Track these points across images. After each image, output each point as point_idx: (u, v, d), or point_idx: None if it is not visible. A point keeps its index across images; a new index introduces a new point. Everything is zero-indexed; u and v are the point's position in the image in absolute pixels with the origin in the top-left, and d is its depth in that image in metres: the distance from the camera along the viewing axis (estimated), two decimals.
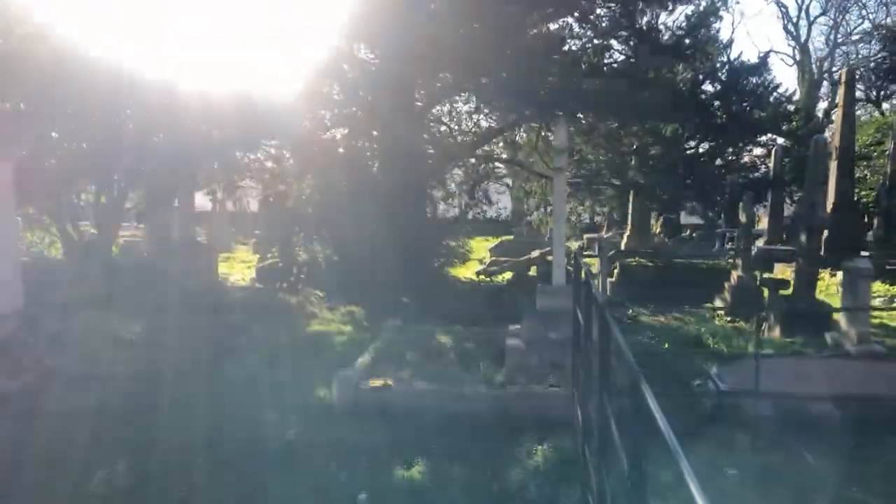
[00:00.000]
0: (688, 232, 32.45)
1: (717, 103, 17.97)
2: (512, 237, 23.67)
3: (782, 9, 52.11)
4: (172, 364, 7.34)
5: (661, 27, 15.82)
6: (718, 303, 12.23)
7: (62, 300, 10.68)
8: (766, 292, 11.24)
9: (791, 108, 24.52)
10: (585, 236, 25.18)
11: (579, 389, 4.69)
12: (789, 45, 48.51)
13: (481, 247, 19.94)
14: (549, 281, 8.95)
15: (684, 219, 29.07)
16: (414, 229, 14.35)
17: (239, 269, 19.60)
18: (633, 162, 17.69)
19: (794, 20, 43.78)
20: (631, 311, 11.51)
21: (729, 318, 11.22)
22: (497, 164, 16.49)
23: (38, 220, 16.33)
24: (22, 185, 13.74)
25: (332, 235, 14.24)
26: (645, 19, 15.21)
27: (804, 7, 43.22)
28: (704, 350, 8.01)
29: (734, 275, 12.36)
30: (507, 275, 17.51)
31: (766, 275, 12.76)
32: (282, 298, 12.06)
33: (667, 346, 7.97)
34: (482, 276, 16.86)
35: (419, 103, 15.20)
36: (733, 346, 8.20)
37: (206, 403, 6.41)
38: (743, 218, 12.22)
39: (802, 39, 43.22)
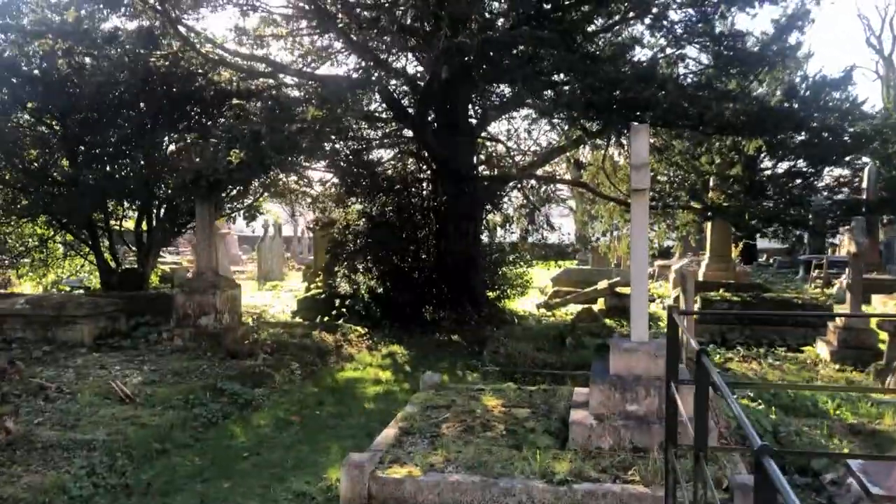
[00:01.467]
0: (765, 257, 30.11)
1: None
2: (575, 264, 22.05)
3: (864, 21, 49.28)
4: (151, 428, 6.09)
5: (744, 32, 14.12)
6: (821, 346, 10.40)
7: (66, 338, 9.66)
8: (883, 335, 9.40)
9: (877, 124, 22.30)
10: (657, 264, 23.32)
11: (674, 488, 3.16)
12: (872, 59, 45.74)
13: (542, 275, 18.40)
14: (622, 331, 7.47)
15: (760, 243, 26.95)
16: (467, 258, 12.98)
17: (285, 299, 18.52)
18: (711, 182, 15.93)
19: (878, 33, 41.16)
20: (718, 355, 9.80)
21: (837, 367, 9.42)
22: (560, 185, 14.97)
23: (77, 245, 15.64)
24: (56, 208, 13.01)
25: (376, 264, 12.96)
26: (725, 24, 13.59)
27: (888, 20, 40.56)
28: (823, 418, 6.31)
29: (839, 311, 10.52)
30: (572, 307, 15.92)
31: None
32: (317, 337, 10.79)
33: (774, 414, 6.28)
34: (543, 310, 15.30)
35: (473, 120, 13.87)
36: (861, 414, 6.46)
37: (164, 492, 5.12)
38: (853, 247, 10.40)
39: (887, 52, 40.54)
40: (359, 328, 11.99)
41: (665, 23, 13.07)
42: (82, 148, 12.03)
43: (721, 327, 11.59)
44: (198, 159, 8.37)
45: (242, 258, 31.52)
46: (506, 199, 13.98)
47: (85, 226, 13.78)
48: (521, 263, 14.43)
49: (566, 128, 13.36)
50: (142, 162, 11.53)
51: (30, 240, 15.82)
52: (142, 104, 11.48)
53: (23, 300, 10.28)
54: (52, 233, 15.30)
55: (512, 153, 14.55)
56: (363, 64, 11.73)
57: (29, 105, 11.99)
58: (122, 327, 10.67)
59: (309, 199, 14.67)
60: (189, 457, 5.87)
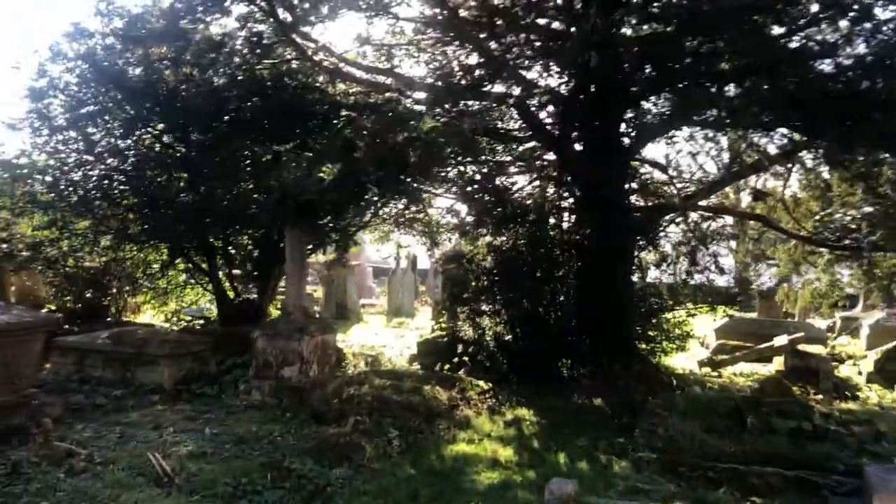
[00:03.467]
0: None
1: None
2: (736, 311, 19.04)
3: None
4: None
5: None
6: None
7: (146, 380, 8.45)
8: None
9: None
10: (839, 315, 19.83)
11: None
12: None
13: (699, 323, 15.68)
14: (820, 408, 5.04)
15: None
16: (614, 303, 10.80)
17: (409, 339, 16.97)
18: None
19: None
20: None
21: None
22: (725, 218, 12.44)
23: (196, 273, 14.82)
24: (176, 233, 12.03)
25: (505, 307, 11.02)
26: None
27: None
28: None
29: None
30: (741, 367, 13.23)
31: None
32: (429, 392, 8.98)
33: None
34: (706, 369, 12.73)
35: (626, 140, 11.74)
36: None
37: None
38: None
39: None
40: (481, 383, 10.07)
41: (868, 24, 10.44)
42: (205, 170, 10.95)
43: None
44: (288, 176, 6.88)
45: (375, 290, 30.56)
46: (662, 233, 11.65)
47: (204, 252, 12.87)
48: (680, 311, 11.94)
49: (743, 146, 10.90)
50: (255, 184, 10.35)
51: (154, 266, 15.14)
52: (263, 121, 10.26)
53: (105, 334, 9.21)
54: (172, 259, 14.52)
55: (672, 180, 12.20)
56: (495, 72, 9.93)
57: (148, 123, 11.20)
58: (212, 369, 9.39)
59: (441, 230, 13.08)
60: None
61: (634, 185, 11.90)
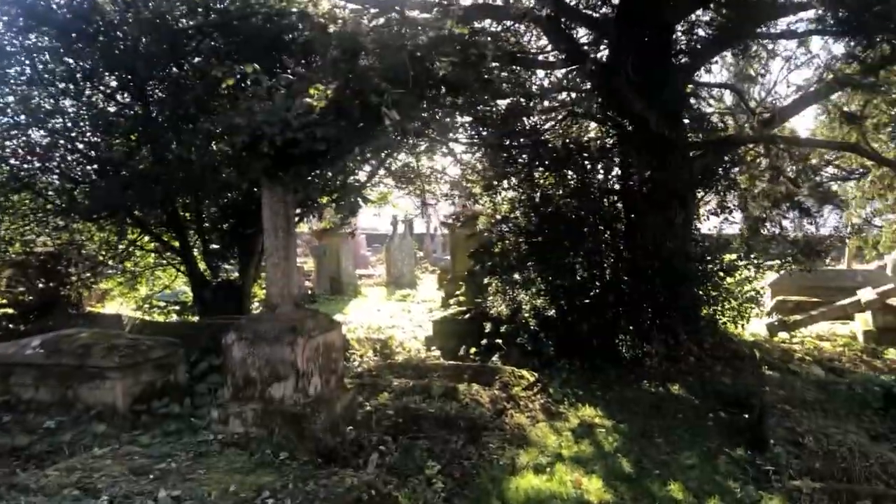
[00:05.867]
0: None
1: None
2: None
3: None
4: None
5: None
6: None
7: (92, 400, 6.34)
8: None
9: None
10: (890, 259, 17.78)
11: None
12: None
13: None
14: None
15: None
16: (675, 263, 8.69)
17: (417, 314, 14.82)
18: None
19: None
20: None
21: None
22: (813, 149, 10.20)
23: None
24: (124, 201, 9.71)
25: (544, 275, 8.86)
26: None
27: None
28: None
29: None
30: (818, 327, 11.18)
31: None
32: (464, 393, 6.86)
33: None
34: (783, 336, 10.66)
35: (680, 60, 9.51)
36: None
37: None
38: None
39: None
40: (524, 372, 7.95)
41: None
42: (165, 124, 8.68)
43: None
44: (259, 108, 4.63)
45: (370, 259, 28.33)
46: (733, 173, 9.42)
47: (173, 226, 10.67)
48: (749, 268, 9.72)
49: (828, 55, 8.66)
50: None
51: (119, 247, 12.85)
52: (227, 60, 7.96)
53: (37, 342, 6.98)
54: (120, 237, 12.26)
55: (745, 102, 9.90)
56: None
57: (94, 76, 8.88)
58: (180, 378, 7.24)
59: (445, 184, 10.86)
60: None
61: (694, 114, 9.62)
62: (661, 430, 6.34)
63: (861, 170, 11.39)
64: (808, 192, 10.02)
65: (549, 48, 9.84)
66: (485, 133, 9.23)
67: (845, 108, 9.50)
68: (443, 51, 4.71)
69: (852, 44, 8.71)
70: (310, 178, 5.09)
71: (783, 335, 10.59)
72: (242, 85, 5.51)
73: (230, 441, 5.07)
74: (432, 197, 12.52)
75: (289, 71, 5.98)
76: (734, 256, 9.52)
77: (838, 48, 8.99)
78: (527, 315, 8.97)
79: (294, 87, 4.88)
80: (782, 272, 12.51)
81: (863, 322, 10.50)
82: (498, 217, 9.53)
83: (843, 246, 13.90)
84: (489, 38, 7.31)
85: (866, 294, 10.59)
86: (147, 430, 6.04)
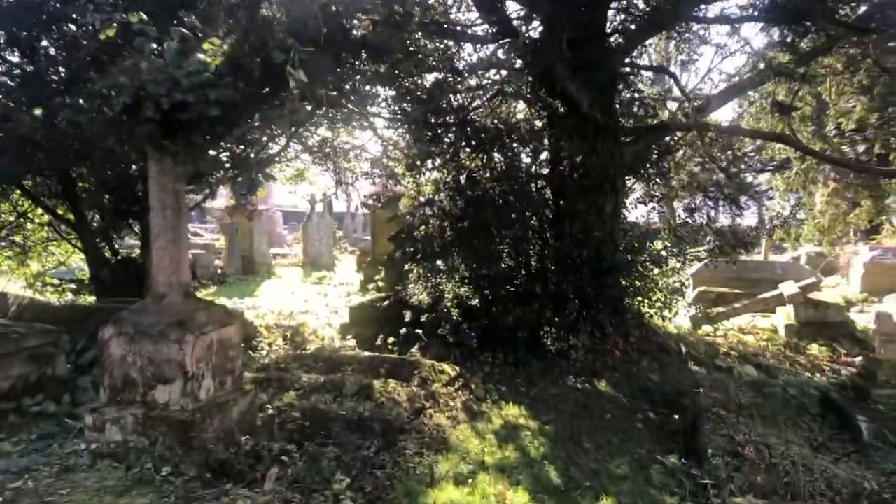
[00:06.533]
0: None
1: None
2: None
3: None
4: None
5: None
6: None
7: None
8: None
9: None
10: (804, 251, 18.17)
11: None
12: None
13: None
14: None
15: None
16: (603, 253, 8.36)
17: (334, 298, 14.12)
18: None
19: None
20: None
21: None
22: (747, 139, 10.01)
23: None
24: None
25: (468, 262, 8.35)
26: None
27: None
28: None
29: None
30: (740, 320, 11.11)
31: None
32: (379, 390, 6.29)
33: None
34: (702, 329, 10.51)
35: (614, 41, 9.13)
36: None
37: None
38: None
39: None
40: (445, 366, 7.46)
41: None
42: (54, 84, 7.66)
43: None
44: (144, 65, 3.89)
45: (287, 238, 27.28)
46: (665, 160, 9.10)
47: (68, 198, 9.71)
48: (672, 260, 9.45)
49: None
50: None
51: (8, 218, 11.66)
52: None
53: None
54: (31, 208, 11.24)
55: (671, 93, 9.65)
56: None
57: None
58: (60, 371, 6.42)
59: (365, 161, 10.19)
60: None
61: (625, 99, 9.26)
62: (590, 433, 5.95)
63: (785, 161, 11.33)
64: (726, 181, 9.85)
65: (479, 21, 9.26)
66: (409, 108, 8.59)
67: (778, 98, 9.33)
68: (362, 6, 4.07)
69: (786, 32, 8.52)
70: (202, 148, 4.36)
71: (707, 328, 10.44)
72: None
73: (105, 452, 4.35)
74: (352, 175, 11.78)
75: (186, 24, 5.20)
76: (660, 246, 9.26)
77: (774, 35, 8.75)
78: (449, 304, 8.46)
79: (188, 42, 4.14)
80: (704, 262, 12.45)
81: (784, 315, 10.46)
82: (421, 199, 8.94)
83: (763, 237, 13.97)
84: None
85: (789, 288, 10.56)
86: (13, 432, 5.24)
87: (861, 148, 9.96)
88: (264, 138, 6.60)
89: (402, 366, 7.27)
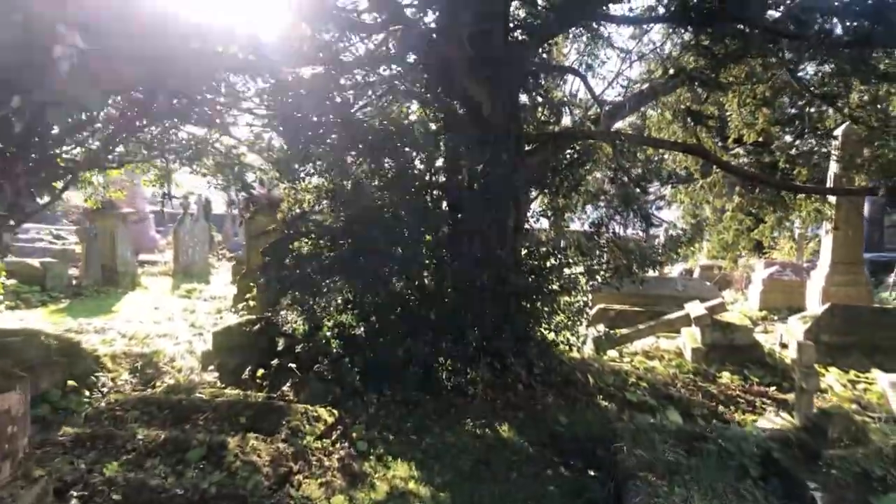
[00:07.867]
0: None
1: None
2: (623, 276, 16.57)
3: None
4: None
5: None
6: None
7: None
8: None
9: None
10: (697, 265, 18.11)
11: None
12: None
13: None
14: None
15: None
16: (504, 272, 7.43)
17: (202, 315, 12.57)
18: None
19: None
20: None
21: None
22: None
23: None
24: None
25: (351, 285, 7.20)
26: None
27: None
28: None
29: None
30: (642, 343, 10.46)
31: None
32: (233, 450, 5.06)
33: None
34: (607, 354, 9.77)
35: (518, 37, 8.21)
36: None
37: None
38: None
39: None
40: (321, 412, 6.27)
41: None
42: None
43: None
44: None
45: (159, 242, 25.08)
46: (572, 171, 8.25)
47: None
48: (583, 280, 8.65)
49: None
50: None
51: None
52: None
53: None
54: None
55: (577, 99, 8.84)
56: None
57: None
58: None
59: (237, 165, 8.83)
60: None
61: (533, 101, 8.36)
62: (494, 501, 4.93)
63: (689, 175, 10.83)
64: (636, 194, 9.19)
65: (367, 8, 8.12)
66: (287, 102, 7.35)
67: (691, 107, 8.71)
68: None
69: (701, 35, 7.87)
70: None
71: (612, 353, 9.70)
72: None
73: None
74: (223, 179, 10.36)
75: None
76: (565, 263, 8.40)
77: (686, 37, 8.08)
78: (328, 334, 7.27)
79: None
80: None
81: (690, 338, 9.88)
82: (298, 210, 7.71)
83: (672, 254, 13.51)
84: None
85: (695, 309, 9.99)
86: None
87: (766, 160, 9.48)
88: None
89: (267, 413, 6.02)
